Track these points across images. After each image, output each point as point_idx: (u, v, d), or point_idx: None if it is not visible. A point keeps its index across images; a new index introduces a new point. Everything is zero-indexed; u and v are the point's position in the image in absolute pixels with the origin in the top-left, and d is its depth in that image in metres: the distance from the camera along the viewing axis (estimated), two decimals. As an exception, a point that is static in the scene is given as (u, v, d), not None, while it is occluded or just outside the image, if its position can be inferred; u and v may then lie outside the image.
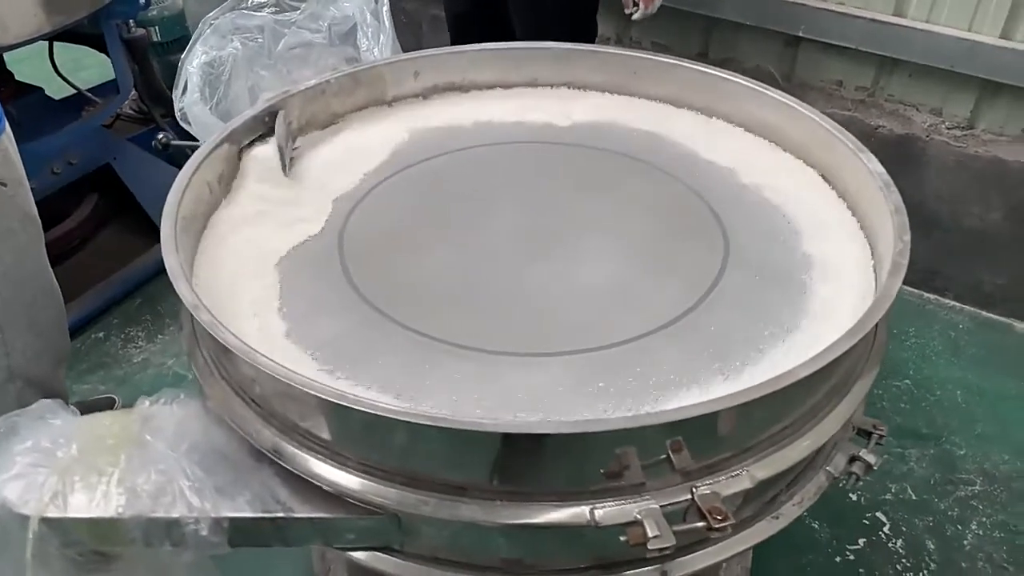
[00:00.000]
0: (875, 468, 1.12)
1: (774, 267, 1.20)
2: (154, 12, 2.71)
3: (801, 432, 0.98)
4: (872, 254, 1.20)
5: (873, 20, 2.17)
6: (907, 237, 1.09)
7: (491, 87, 1.66)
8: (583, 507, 0.90)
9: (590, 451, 0.88)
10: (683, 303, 1.13)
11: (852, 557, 1.72)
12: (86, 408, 1.65)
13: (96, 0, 2.04)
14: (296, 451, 0.96)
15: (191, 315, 1.02)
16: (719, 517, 0.88)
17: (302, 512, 0.97)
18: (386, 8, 1.72)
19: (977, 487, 1.87)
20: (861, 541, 1.75)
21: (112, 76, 2.46)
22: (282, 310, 1.12)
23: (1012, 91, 2.09)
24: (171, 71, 2.84)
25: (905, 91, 2.26)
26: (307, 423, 0.95)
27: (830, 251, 1.21)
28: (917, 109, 2.27)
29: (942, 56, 2.12)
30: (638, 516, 0.88)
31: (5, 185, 1.37)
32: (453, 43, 2.25)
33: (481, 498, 0.91)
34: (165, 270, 1.02)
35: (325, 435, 0.94)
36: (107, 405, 1.95)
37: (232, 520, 0.96)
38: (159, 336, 2.26)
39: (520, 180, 1.41)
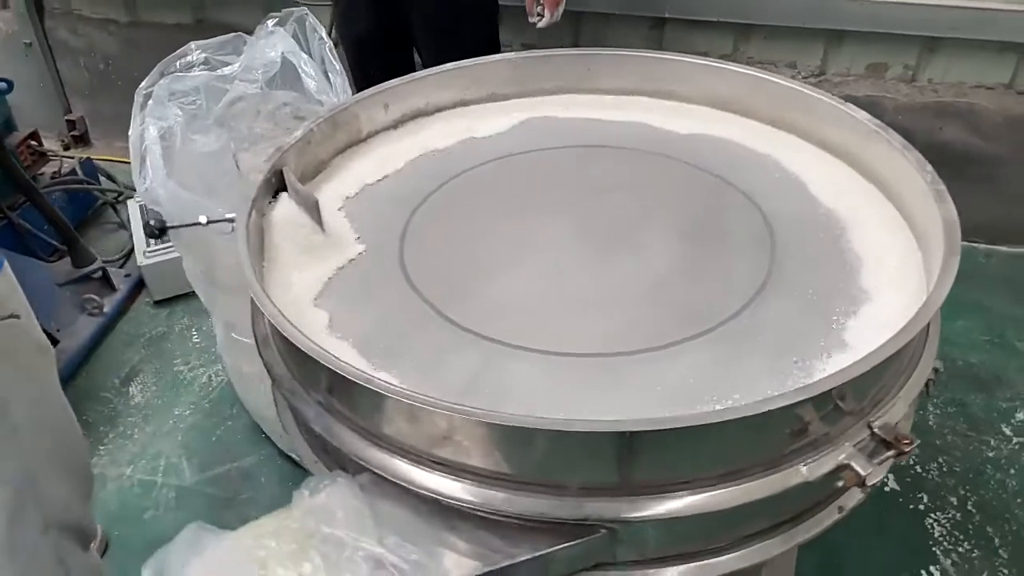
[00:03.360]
0: (941, 372, 1.29)
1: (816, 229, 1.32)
2: (-32, 93, 2.41)
3: (921, 350, 1.12)
4: (889, 197, 1.36)
5: (729, -7, 2.40)
6: (929, 168, 1.25)
7: (454, 106, 1.66)
8: (794, 467, 0.96)
9: (786, 419, 0.95)
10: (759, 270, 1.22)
11: (854, 464, 1.92)
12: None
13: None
14: (511, 496, 0.94)
15: (342, 389, 0.96)
16: (906, 441, 0.99)
17: (524, 554, 0.95)
18: (328, 46, 1.65)
19: (918, 377, 2.15)
20: (854, 448, 1.96)
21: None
22: (399, 366, 1.08)
23: (853, 36, 2.40)
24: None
25: (763, 51, 2.52)
26: (522, 466, 0.94)
27: (857, 206, 1.35)
28: (775, 65, 2.54)
29: (792, 16, 2.39)
30: (845, 460, 0.97)
31: (18, 317, 1.18)
32: (353, 70, 2.18)
33: (702, 487, 0.95)
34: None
35: (544, 470, 0.94)
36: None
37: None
38: (101, 447, 2.02)
39: (549, 188, 1.45)
